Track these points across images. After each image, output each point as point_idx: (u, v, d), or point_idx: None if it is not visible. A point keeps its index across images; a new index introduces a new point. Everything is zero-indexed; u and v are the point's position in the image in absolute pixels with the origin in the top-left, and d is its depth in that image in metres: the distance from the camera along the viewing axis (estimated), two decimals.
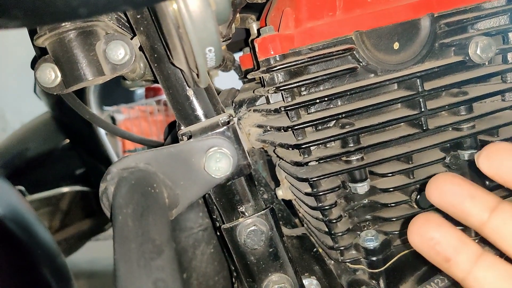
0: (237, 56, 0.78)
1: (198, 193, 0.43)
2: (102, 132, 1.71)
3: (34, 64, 0.73)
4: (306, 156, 0.51)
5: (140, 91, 2.28)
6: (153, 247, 0.33)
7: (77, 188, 1.74)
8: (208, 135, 0.44)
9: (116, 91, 2.01)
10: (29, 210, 0.78)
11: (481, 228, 0.34)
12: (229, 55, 0.74)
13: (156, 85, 0.74)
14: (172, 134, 0.73)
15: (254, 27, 0.61)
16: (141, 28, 0.43)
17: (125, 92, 2.13)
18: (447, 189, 0.34)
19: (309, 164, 0.50)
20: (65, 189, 1.71)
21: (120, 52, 0.41)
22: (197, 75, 0.38)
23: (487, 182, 0.54)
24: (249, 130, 0.60)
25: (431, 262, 0.35)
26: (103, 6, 0.26)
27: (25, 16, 0.25)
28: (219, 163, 0.42)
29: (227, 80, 0.98)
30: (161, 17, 0.35)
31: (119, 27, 0.46)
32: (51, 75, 0.42)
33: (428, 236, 0.34)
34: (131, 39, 0.46)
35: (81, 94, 1.62)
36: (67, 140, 1.76)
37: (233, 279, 0.67)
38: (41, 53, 0.45)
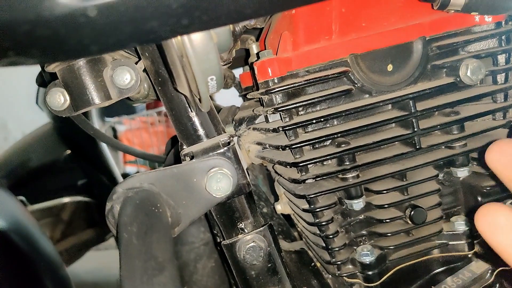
0: (237, 72, 0.80)
1: (200, 211, 0.45)
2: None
3: (39, 80, 0.75)
4: (304, 173, 0.53)
5: None
6: (156, 264, 0.35)
7: (78, 198, 1.75)
8: (210, 156, 0.45)
9: (117, 102, 2.03)
10: (32, 221, 0.79)
11: None
12: (229, 73, 0.76)
13: None
14: (174, 149, 0.75)
15: (253, 48, 0.63)
16: (146, 54, 0.45)
17: (127, 104, 2.15)
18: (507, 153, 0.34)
19: (307, 181, 0.51)
20: (66, 200, 1.72)
21: (126, 77, 0.44)
22: (199, 100, 0.40)
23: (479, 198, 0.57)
24: (248, 147, 0.62)
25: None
26: (112, 44, 0.28)
27: (41, 54, 0.27)
28: (220, 183, 0.44)
29: (228, 96, 1.00)
30: (165, 48, 0.37)
31: (125, 51, 0.48)
32: (61, 99, 0.44)
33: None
34: (136, 63, 0.48)
35: None
36: (69, 151, 1.77)
37: None
38: (51, 78, 0.47)
